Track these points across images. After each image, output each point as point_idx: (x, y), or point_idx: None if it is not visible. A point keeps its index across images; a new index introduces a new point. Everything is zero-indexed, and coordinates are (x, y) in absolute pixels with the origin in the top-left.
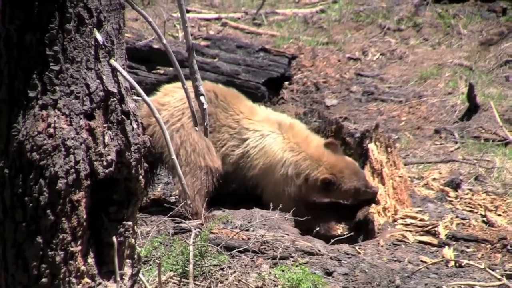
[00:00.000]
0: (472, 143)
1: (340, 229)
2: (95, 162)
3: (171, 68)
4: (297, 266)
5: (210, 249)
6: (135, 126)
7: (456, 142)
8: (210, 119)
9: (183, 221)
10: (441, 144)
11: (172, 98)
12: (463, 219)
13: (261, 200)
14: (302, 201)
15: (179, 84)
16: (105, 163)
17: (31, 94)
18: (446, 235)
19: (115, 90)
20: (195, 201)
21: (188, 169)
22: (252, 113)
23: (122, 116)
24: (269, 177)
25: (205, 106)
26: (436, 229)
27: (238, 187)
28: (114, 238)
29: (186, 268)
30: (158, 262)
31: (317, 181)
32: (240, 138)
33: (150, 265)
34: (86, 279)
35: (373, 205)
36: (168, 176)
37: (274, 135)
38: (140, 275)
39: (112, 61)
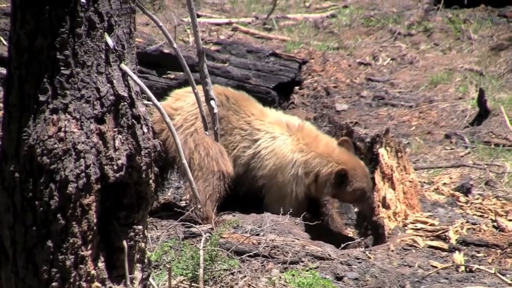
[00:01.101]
0: (483, 148)
1: (350, 233)
2: (105, 166)
3: (181, 73)
4: (307, 270)
5: (220, 254)
6: (145, 130)
7: (467, 147)
8: (222, 122)
9: (194, 225)
10: (451, 149)
11: (184, 103)
12: (474, 224)
13: (262, 201)
14: (306, 203)
15: (190, 88)
16: (115, 167)
17: (42, 98)
18: (456, 240)
19: (125, 94)
20: (206, 206)
21: (200, 173)
22: (263, 115)
23: (133, 120)
24: (278, 177)
25: (216, 110)
26: (446, 234)
27: (247, 189)
28: (124, 242)
29: (196, 273)
30: (169, 266)
31: (330, 175)
32: (251, 139)
33: (160, 269)
34: (96, 283)
35: (383, 209)
36: (179, 180)
37: (284, 137)
38: (150, 279)
39: (123, 66)
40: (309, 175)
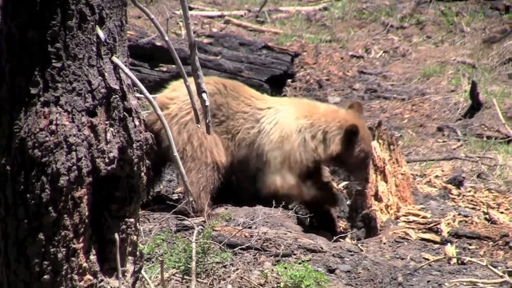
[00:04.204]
0: (475, 140)
1: (342, 225)
2: (97, 159)
3: (173, 66)
4: (299, 263)
5: (213, 247)
6: (137, 123)
7: (459, 140)
8: (222, 108)
9: (186, 218)
10: (443, 141)
11: (180, 93)
12: (466, 216)
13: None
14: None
15: None
16: (107, 160)
17: (33, 91)
18: (448, 232)
19: (117, 87)
20: (200, 198)
21: (193, 165)
22: (262, 96)
23: (124, 113)
24: (284, 147)
25: (207, 103)
26: (438, 226)
27: (247, 172)
28: (116, 235)
29: (188, 265)
30: (161, 259)
31: (339, 129)
32: (254, 119)
33: (152, 262)
34: (88, 276)
35: (376, 202)
36: (171, 173)
37: (286, 109)
38: (143, 272)
39: (114, 58)
40: (316, 135)
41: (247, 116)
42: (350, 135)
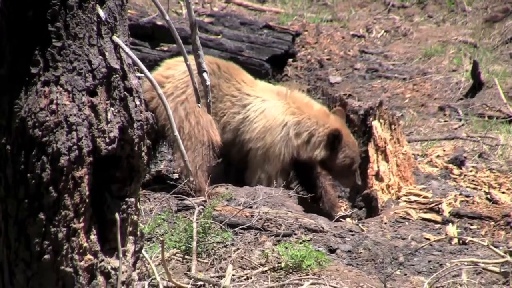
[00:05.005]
0: (476, 120)
1: (343, 206)
2: (97, 139)
3: (174, 45)
4: (300, 243)
5: (214, 226)
6: (137, 102)
7: (460, 119)
8: (213, 90)
9: (187, 198)
10: (445, 121)
11: (175, 71)
12: (467, 196)
13: (245, 169)
14: (289, 169)
15: (181, 58)
16: (107, 140)
17: (33, 70)
18: (449, 212)
19: (117, 67)
20: (197, 177)
21: (189, 143)
22: (254, 83)
23: (125, 92)
24: (266, 139)
25: (208, 83)
26: (439, 206)
27: (233, 158)
28: (117, 215)
29: (189, 245)
30: (161, 239)
31: (325, 136)
32: (241, 104)
33: (153, 242)
34: (89, 256)
35: (377, 182)
36: (169, 151)
37: (275, 101)
38: (143, 252)
39: (115, 38)
40: (302, 135)
41: (235, 100)
42: (333, 139)
